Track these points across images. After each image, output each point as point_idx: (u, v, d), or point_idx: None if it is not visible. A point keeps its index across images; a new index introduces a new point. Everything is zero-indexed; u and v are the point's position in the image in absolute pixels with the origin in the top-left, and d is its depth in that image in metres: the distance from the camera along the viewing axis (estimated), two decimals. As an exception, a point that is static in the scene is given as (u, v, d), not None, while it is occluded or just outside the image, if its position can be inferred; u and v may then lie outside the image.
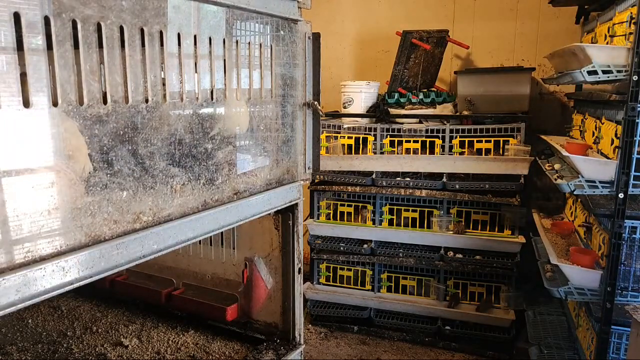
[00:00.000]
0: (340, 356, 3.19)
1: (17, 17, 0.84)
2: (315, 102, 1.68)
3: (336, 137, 3.47)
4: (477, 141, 3.20)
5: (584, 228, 2.62)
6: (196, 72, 1.24)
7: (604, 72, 2.10)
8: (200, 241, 1.86)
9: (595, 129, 2.52)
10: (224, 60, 1.33)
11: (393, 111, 3.38)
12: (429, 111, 3.38)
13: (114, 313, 2.08)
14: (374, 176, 3.34)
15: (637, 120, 2.00)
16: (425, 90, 3.59)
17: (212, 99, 1.30)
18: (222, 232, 1.65)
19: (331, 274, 3.57)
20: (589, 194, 2.19)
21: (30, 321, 2.01)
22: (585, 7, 3.26)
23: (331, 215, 3.55)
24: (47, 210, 0.91)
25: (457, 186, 3.19)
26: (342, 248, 3.45)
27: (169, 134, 1.17)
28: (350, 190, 3.41)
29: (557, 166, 2.55)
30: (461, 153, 3.22)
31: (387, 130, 3.36)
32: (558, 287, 2.25)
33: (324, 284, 3.59)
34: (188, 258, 2.05)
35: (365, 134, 3.41)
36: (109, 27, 0.99)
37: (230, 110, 1.38)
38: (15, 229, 0.87)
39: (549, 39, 3.63)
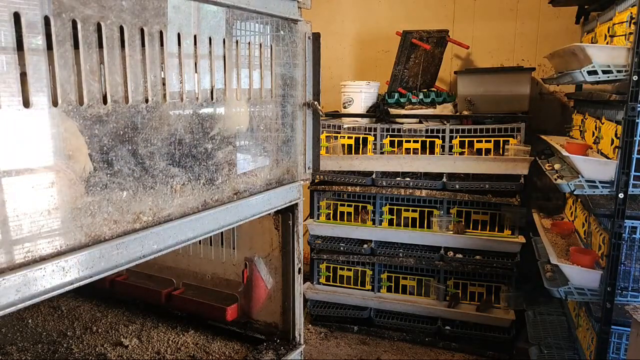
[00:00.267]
0: (340, 356, 3.19)
1: (17, 17, 0.84)
2: (315, 102, 1.68)
3: (336, 137, 3.47)
4: (477, 141, 3.20)
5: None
6: (196, 72, 1.24)
7: (604, 72, 2.10)
8: (200, 241, 1.86)
9: (595, 129, 2.52)
10: (224, 60, 1.33)
11: (393, 111, 3.38)
12: (429, 111, 3.38)
13: (114, 313, 2.08)
14: (374, 176, 3.34)
15: (637, 120, 2.00)
16: (425, 90, 3.59)
17: (212, 99, 1.30)
18: (222, 232, 1.65)
19: (331, 274, 3.57)
20: (589, 194, 2.19)
21: (30, 321, 2.01)
22: (585, 7, 3.26)
23: (331, 215, 3.55)
24: (47, 210, 0.91)
25: (457, 186, 3.19)
26: (342, 248, 3.45)
27: (169, 134, 1.17)
28: (350, 190, 3.41)
29: (557, 166, 2.55)
30: (461, 153, 3.22)
31: (387, 130, 3.36)
32: (558, 287, 2.25)
33: (324, 284, 3.59)
34: (188, 258, 2.05)
35: (365, 134, 3.41)
36: (109, 27, 0.99)
37: (230, 110, 1.38)
38: (15, 229, 0.87)
39: (549, 39, 3.63)
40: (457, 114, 3.34)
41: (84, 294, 2.21)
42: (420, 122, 3.39)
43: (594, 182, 2.13)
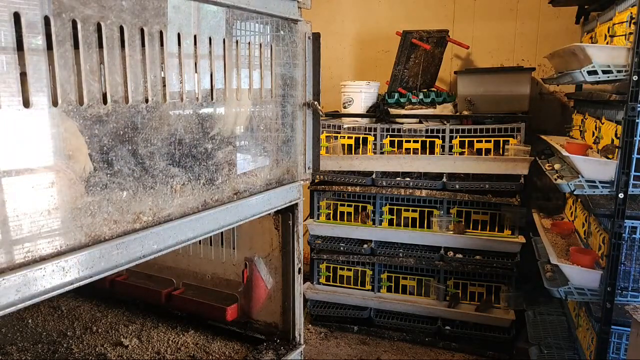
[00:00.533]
0: (340, 356, 3.19)
1: (17, 17, 0.84)
2: (315, 102, 1.68)
3: (336, 137, 3.47)
4: (477, 141, 3.20)
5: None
6: (196, 72, 1.24)
7: (604, 72, 2.10)
8: (200, 241, 1.85)
9: (595, 129, 2.52)
10: (224, 60, 1.33)
11: (393, 111, 3.38)
12: (429, 111, 3.38)
13: (114, 313, 2.08)
14: (374, 176, 3.34)
15: (637, 120, 2.00)
16: (425, 90, 3.59)
17: (212, 99, 1.30)
18: (222, 232, 1.65)
19: (331, 274, 3.57)
20: (589, 194, 2.19)
21: (30, 321, 2.01)
22: (585, 7, 3.26)
23: (331, 215, 3.55)
24: (47, 210, 0.91)
25: (457, 186, 3.19)
26: (342, 248, 3.45)
27: (169, 134, 1.17)
28: (350, 190, 3.41)
29: (557, 166, 2.55)
30: (461, 153, 3.22)
31: (387, 130, 3.36)
32: (558, 287, 2.25)
33: (324, 284, 3.59)
34: (188, 258, 2.05)
35: (365, 134, 3.41)
36: (109, 27, 0.99)
37: (230, 110, 1.38)
38: (15, 229, 0.87)
39: (549, 39, 3.63)
40: (457, 114, 3.34)
41: (84, 294, 2.21)
42: (420, 122, 3.39)
43: (594, 182, 2.13)
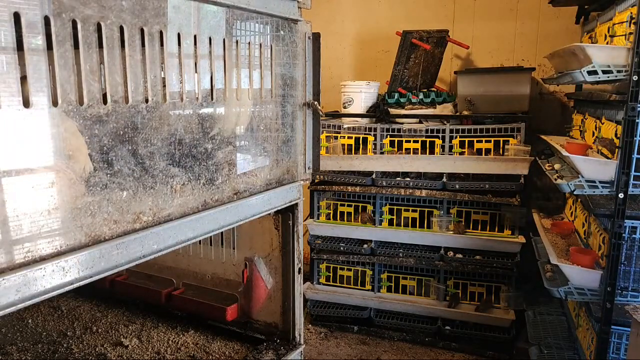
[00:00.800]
0: (340, 356, 3.19)
1: (17, 17, 0.84)
2: (315, 102, 1.68)
3: (336, 137, 3.47)
4: (477, 141, 3.20)
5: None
6: (196, 72, 1.24)
7: (604, 72, 2.10)
8: (200, 241, 1.85)
9: (595, 129, 2.52)
10: (224, 60, 1.33)
11: (393, 111, 3.38)
12: (429, 111, 3.38)
13: (114, 313, 2.08)
14: (374, 176, 3.34)
15: (637, 120, 2.00)
16: (425, 90, 3.59)
17: (212, 99, 1.30)
18: (222, 232, 1.65)
19: (331, 274, 3.57)
20: (589, 194, 2.19)
21: (30, 321, 2.01)
22: (585, 7, 3.26)
23: (331, 215, 3.55)
24: (47, 210, 0.91)
25: (457, 186, 3.19)
26: (342, 248, 3.45)
27: (169, 134, 1.17)
28: (350, 190, 3.41)
29: (557, 166, 2.55)
30: (461, 153, 3.22)
31: (387, 130, 3.36)
32: (558, 287, 2.25)
33: (324, 284, 3.59)
34: (188, 258, 2.05)
35: (365, 134, 3.41)
36: (109, 27, 0.99)
37: (230, 110, 1.38)
38: (15, 229, 0.87)
39: (549, 39, 3.63)
40: (457, 114, 3.34)
41: (84, 294, 2.21)
42: (420, 122, 3.39)
43: (594, 182, 2.13)
